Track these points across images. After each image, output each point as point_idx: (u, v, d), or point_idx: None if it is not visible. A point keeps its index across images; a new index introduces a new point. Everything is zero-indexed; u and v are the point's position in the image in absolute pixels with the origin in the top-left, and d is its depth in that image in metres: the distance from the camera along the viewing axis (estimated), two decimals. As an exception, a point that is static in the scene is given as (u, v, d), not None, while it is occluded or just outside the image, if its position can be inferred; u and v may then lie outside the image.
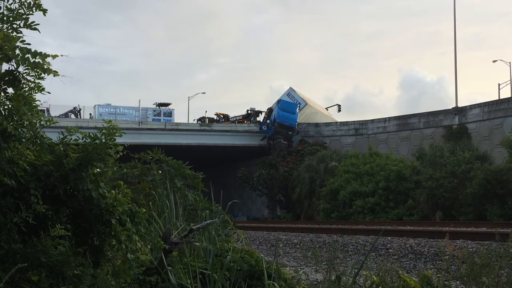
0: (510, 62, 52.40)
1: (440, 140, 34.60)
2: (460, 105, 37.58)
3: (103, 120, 4.76)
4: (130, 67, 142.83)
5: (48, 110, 38.06)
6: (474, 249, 10.36)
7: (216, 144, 45.18)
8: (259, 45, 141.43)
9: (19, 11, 4.19)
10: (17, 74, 4.07)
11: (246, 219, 42.25)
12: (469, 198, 25.09)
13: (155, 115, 53.59)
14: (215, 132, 46.09)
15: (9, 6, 4.19)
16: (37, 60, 4.01)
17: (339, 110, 54.48)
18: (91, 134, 4.44)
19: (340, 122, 46.05)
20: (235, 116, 53.13)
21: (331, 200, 32.57)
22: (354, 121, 44.19)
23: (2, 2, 4.20)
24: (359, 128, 43.18)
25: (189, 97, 64.32)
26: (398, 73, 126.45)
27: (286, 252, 14.81)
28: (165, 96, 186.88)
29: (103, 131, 4.40)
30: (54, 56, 4.17)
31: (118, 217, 4.33)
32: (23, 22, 4.17)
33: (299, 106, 46.07)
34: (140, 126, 44.84)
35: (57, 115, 43.48)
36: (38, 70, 4.04)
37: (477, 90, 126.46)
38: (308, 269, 8.63)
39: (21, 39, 4.07)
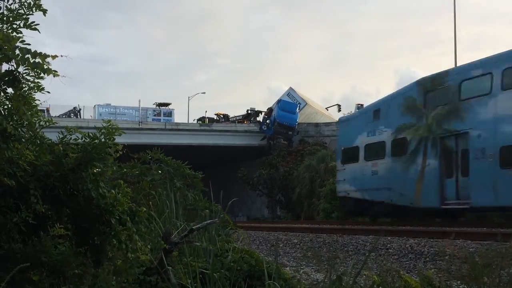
0: (510, 62, 52.28)
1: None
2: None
3: (102, 120, 4.76)
4: (130, 67, 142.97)
5: (48, 110, 38.08)
6: (474, 249, 10.35)
7: (216, 144, 45.21)
8: (258, 46, 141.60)
9: (19, 11, 4.19)
10: (17, 74, 4.07)
11: (246, 219, 42.24)
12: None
13: (155, 115, 53.67)
14: (215, 132, 46.14)
15: (9, 6, 4.19)
16: (37, 61, 4.01)
17: (339, 110, 54.47)
18: (90, 134, 4.43)
19: (340, 122, 46.01)
20: (235, 116, 53.19)
21: (331, 200, 32.54)
22: (354, 121, 44.12)
23: (2, 2, 4.20)
24: (359, 128, 43.08)
25: (189, 97, 64.43)
26: (395, 74, 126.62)
27: (286, 252, 14.81)
28: (165, 96, 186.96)
29: (103, 130, 4.40)
30: (54, 57, 4.17)
31: (118, 217, 4.33)
32: (23, 22, 4.17)
33: (299, 106, 46.11)
34: (140, 126, 44.86)
35: (57, 115, 43.55)
36: (38, 70, 4.04)
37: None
38: (308, 269, 8.62)
39: (21, 39, 4.06)
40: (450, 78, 19.07)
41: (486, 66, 17.73)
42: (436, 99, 19.44)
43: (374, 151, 22.37)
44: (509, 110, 16.66)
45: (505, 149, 16.52)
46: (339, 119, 29.30)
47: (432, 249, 12.16)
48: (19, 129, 4.16)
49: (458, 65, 28.48)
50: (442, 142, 19.04)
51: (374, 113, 22.83)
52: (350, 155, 24.04)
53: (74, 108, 50.68)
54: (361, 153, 23.32)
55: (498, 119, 17.01)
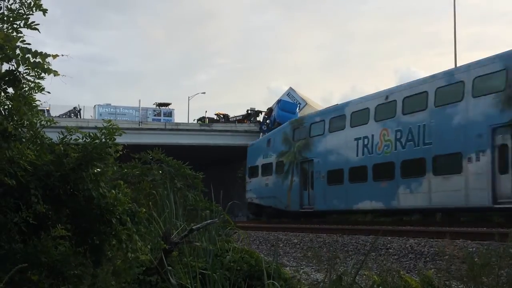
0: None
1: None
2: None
3: (103, 120, 4.76)
4: (130, 67, 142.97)
5: (48, 110, 38.08)
6: (474, 249, 10.35)
7: (216, 144, 45.20)
8: (258, 46, 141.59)
9: (20, 11, 4.19)
10: (17, 74, 4.08)
11: (246, 219, 42.22)
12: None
13: (155, 115, 53.66)
14: (215, 132, 46.12)
15: (9, 6, 4.19)
16: (37, 60, 4.01)
17: (339, 110, 54.38)
18: (91, 134, 4.44)
19: (340, 122, 46.11)
20: (235, 116, 53.17)
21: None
22: (354, 121, 44.27)
23: (2, 2, 4.20)
24: (359, 128, 43.26)
25: (189, 97, 64.48)
26: (395, 74, 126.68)
27: (286, 252, 14.80)
28: (165, 96, 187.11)
29: (103, 130, 4.41)
30: (55, 56, 4.17)
31: (118, 217, 4.33)
32: (23, 22, 4.17)
33: (299, 106, 46.04)
34: (140, 126, 44.86)
35: (57, 115, 43.55)
36: (38, 70, 4.05)
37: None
38: (308, 269, 8.62)
39: (21, 39, 4.07)
40: (306, 121, 28.15)
41: (322, 115, 27.10)
42: (299, 135, 28.04)
43: (267, 169, 30.84)
44: (332, 147, 25.13)
45: (330, 172, 25.16)
46: (249, 144, 36.34)
47: (432, 249, 12.15)
48: (20, 129, 4.16)
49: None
50: (301, 165, 27.49)
51: (267, 141, 31.77)
52: (254, 171, 32.46)
53: (74, 108, 50.68)
54: (260, 171, 31.71)
55: (327, 151, 25.48)
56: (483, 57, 18.65)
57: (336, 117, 25.19)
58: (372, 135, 22.34)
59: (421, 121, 19.87)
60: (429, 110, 19.62)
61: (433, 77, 20.19)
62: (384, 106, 22.04)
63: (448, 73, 19.75)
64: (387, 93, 22.25)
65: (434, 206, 19.75)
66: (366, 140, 22.70)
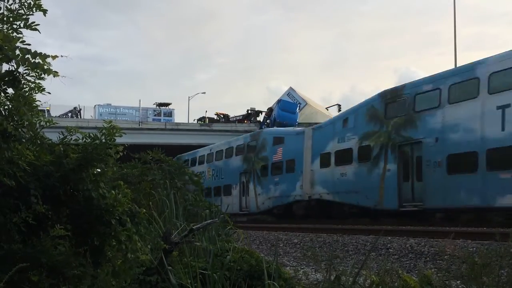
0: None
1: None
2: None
3: (103, 120, 4.75)
4: (131, 67, 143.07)
5: (48, 110, 38.08)
6: (474, 248, 10.34)
7: (216, 144, 45.28)
8: (258, 46, 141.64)
9: (19, 11, 4.18)
10: (17, 74, 4.07)
11: (246, 219, 42.28)
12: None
13: (155, 115, 53.71)
14: (215, 132, 46.16)
15: (9, 7, 4.18)
16: (37, 61, 4.00)
17: (339, 110, 54.44)
18: (91, 134, 4.43)
19: (340, 122, 46.26)
20: (235, 116, 53.20)
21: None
22: (354, 121, 44.48)
23: (2, 2, 4.19)
24: (359, 128, 43.60)
25: (189, 97, 64.49)
26: (395, 74, 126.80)
27: (286, 252, 14.79)
28: (165, 96, 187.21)
29: (103, 131, 4.40)
30: (54, 57, 4.16)
31: (118, 217, 4.33)
32: (23, 22, 4.16)
33: (299, 106, 46.17)
34: (140, 126, 44.90)
35: (57, 115, 43.56)
36: (38, 71, 4.04)
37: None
38: (308, 269, 8.61)
39: (21, 40, 4.06)
40: (188, 156, 41.75)
41: (193, 155, 41.89)
42: (192, 163, 40.42)
43: None
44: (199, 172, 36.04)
45: (208, 188, 35.90)
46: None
47: (432, 249, 12.15)
48: (20, 130, 4.15)
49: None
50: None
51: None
52: None
53: (74, 108, 50.72)
54: None
55: (204, 176, 34.41)
56: (243, 135, 37.47)
57: (201, 155, 40.76)
58: (205, 171, 38.50)
59: (220, 165, 37.44)
60: (223, 160, 37.15)
61: (225, 143, 38.19)
62: (210, 155, 39.39)
63: (227, 142, 37.75)
64: (211, 148, 39.70)
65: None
66: (203, 174, 37.23)
